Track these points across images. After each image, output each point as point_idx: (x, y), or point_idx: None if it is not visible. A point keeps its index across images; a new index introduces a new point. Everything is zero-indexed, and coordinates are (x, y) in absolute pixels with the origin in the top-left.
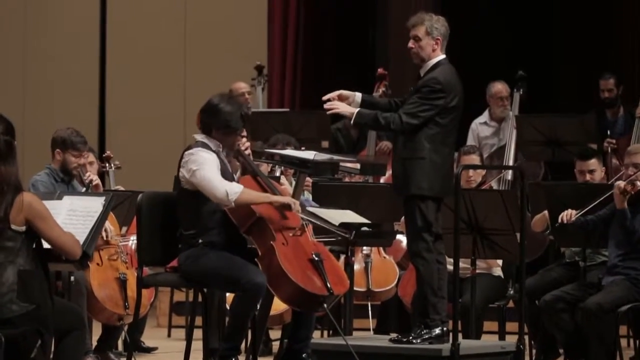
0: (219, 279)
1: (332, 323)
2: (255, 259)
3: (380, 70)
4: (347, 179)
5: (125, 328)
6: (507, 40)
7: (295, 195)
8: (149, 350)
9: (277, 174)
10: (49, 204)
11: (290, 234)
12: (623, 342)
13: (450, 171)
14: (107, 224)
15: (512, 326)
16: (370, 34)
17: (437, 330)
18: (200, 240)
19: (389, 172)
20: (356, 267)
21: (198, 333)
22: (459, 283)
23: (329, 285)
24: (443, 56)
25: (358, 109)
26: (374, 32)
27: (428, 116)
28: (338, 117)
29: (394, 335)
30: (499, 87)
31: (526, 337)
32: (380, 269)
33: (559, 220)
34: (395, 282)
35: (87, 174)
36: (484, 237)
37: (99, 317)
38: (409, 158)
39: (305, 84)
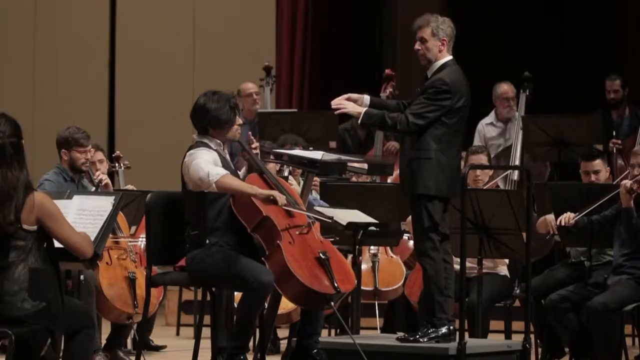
0: (227, 278)
1: (339, 322)
2: (262, 258)
3: (387, 71)
4: (354, 179)
5: (134, 327)
6: (513, 41)
7: (304, 195)
8: (157, 348)
9: (286, 173)
10: (59, 203)
11: (297, 232)
12: (628, 341)
13: (457, 171)
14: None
15: (518, 325)
16: (378, 35)
17: (444, 329)
18: (207, 241)
19: (396, 172)
20: (363, 266)
21: (206, 332)
22: (466, 282)
23: (335, 283)
24: (450, 57)
25: (365, 109)
26: (381, 33)
27: (434, 117)
28: (346, 117)
29: (400, 334)
30: (505, 88)
31: (532, 336)
32: (387, 269)
33: (558, 224)
34: (402, 281)
35: (97, 174)
36: (490, 236)
37: (108, 315)
38: (416, 158)
39: (313, 85)
